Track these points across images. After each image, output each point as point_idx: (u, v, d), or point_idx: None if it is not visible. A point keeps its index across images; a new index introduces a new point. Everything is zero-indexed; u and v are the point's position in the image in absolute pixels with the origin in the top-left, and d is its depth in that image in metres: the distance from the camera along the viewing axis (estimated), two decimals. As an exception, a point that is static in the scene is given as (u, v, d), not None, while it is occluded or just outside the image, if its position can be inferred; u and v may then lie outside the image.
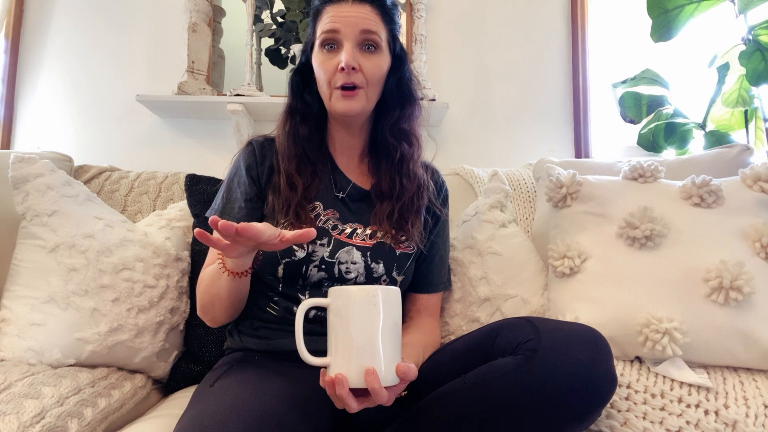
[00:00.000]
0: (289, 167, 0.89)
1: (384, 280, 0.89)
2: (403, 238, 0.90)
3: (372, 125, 0.95)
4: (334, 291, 0.62)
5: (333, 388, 0.59)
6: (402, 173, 0.92)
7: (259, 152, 0.93)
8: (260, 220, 0.79)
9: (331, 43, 0.86)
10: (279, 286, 0.87)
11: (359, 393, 0.61)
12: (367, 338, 0.60)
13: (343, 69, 0.83)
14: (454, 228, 1.16)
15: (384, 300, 0.61)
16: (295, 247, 0.84)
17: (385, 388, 0.59)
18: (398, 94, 0.92)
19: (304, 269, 0.85)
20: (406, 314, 0.98)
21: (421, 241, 0.93)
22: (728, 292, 0.83)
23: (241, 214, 0.88)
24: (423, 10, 1.65)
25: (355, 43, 0.85)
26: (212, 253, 0.90)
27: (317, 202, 0.90)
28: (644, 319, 0.84)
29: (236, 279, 0.78)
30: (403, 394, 0.73)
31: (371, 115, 0.93)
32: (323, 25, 0.86)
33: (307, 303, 0.62)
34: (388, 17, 0.89)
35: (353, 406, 0.60)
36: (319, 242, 0.86)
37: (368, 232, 0.90)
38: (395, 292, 0.64)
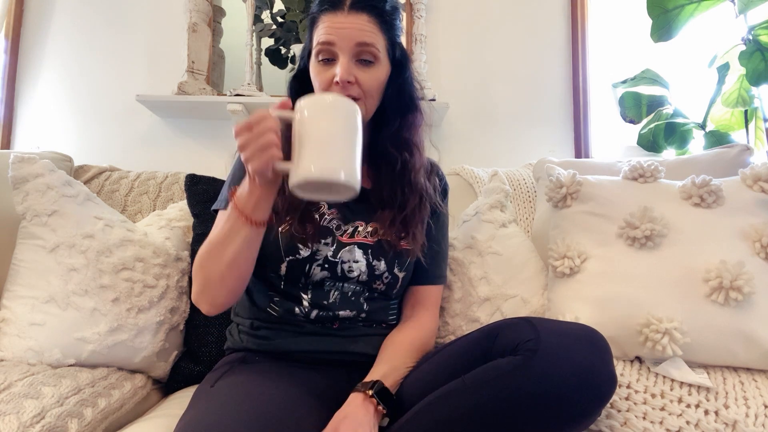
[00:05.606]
0: None
1: (386, 277, 0.88)
2: (404, 237, 0.90)
3: (371, 133, 0.92)
4: (300, 101, 0.65)
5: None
6: (404, 183, 0.90)
7: None
8: None
9: (327, 56, 0.84)
10: (281, 284, 0.87)
11: (321, 188, 0.63)
12: (327, 134, 0.64)
13: (338, 83, 0.81)
14: (454, 228, 1.16)
15: (346, 108, 0.66)
16: (299, 246, 0.84)
17: None
18: (398, 102, 0.90)
19: (307, 268, 0.85)
20: (404, 308, 0.97)
21: (422, 249, 0.92)
22: (728, 292, 0.83)
23: None
24: (423, 10, 1.65)
25: (351, 56, 0.83)
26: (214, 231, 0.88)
27: (321, 202, 0.89)
28: (644, 319, 0.84)
29: (255, 230, 0.73)
30: (384, 421, 0.74)
31: (369, 122, 0.91)
32: (319, 36, 0.84)
33: (275, 114, 0.66)
34: (387, 25, 0.86)
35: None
36: (323, 241, 0.86)
37: (369, 229, 0.90)
38: (355, 106, 0.68)
